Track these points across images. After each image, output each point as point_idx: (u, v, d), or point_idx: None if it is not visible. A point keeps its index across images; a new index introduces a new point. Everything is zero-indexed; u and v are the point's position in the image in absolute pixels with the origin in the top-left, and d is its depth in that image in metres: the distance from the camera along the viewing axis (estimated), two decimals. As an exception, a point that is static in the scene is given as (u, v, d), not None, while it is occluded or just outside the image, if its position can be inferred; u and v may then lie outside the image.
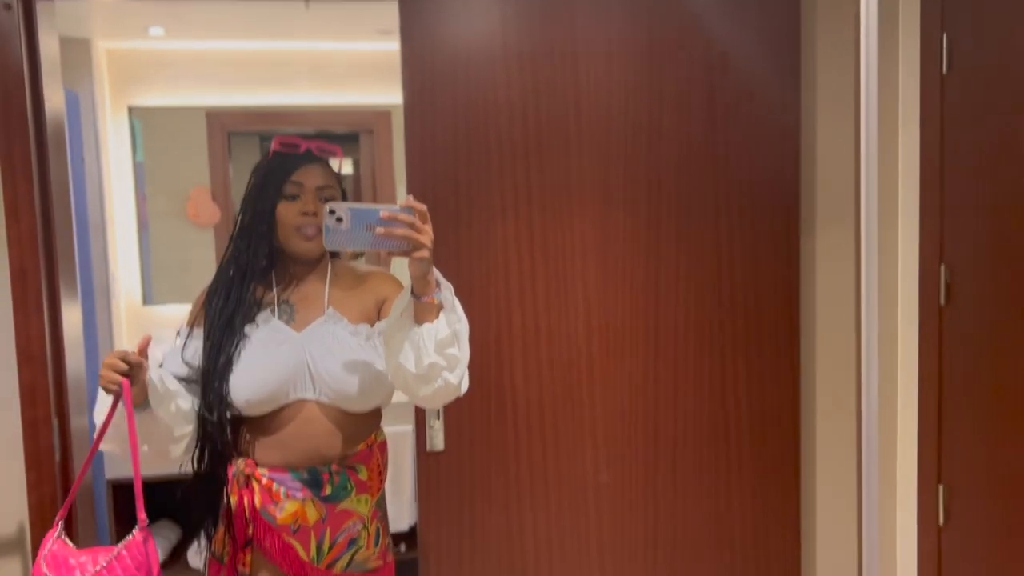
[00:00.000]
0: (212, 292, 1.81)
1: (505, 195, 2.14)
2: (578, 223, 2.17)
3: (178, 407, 1.71)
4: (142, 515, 1.64)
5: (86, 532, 2.13)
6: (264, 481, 1.75)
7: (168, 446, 1.72)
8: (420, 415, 2.15)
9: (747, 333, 2.25)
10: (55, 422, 2.01)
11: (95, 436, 1.63)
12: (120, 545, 1.62)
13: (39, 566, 1.62)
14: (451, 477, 2.16)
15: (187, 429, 1.73)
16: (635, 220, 2.19)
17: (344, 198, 1.84)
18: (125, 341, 3.64)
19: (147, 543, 1.62)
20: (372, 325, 1.82)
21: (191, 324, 1.83)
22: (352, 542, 1.81)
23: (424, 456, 2.15)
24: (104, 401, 1.66)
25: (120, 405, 1.60)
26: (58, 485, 2.01)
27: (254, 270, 1.79)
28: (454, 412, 2.14)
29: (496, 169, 2.13)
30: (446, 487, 2.17)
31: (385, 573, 1.89)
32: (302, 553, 1.76)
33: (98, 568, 1.60)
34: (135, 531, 1.63)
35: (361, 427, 1.82)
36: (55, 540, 1.65)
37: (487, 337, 2.15)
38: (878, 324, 2.26)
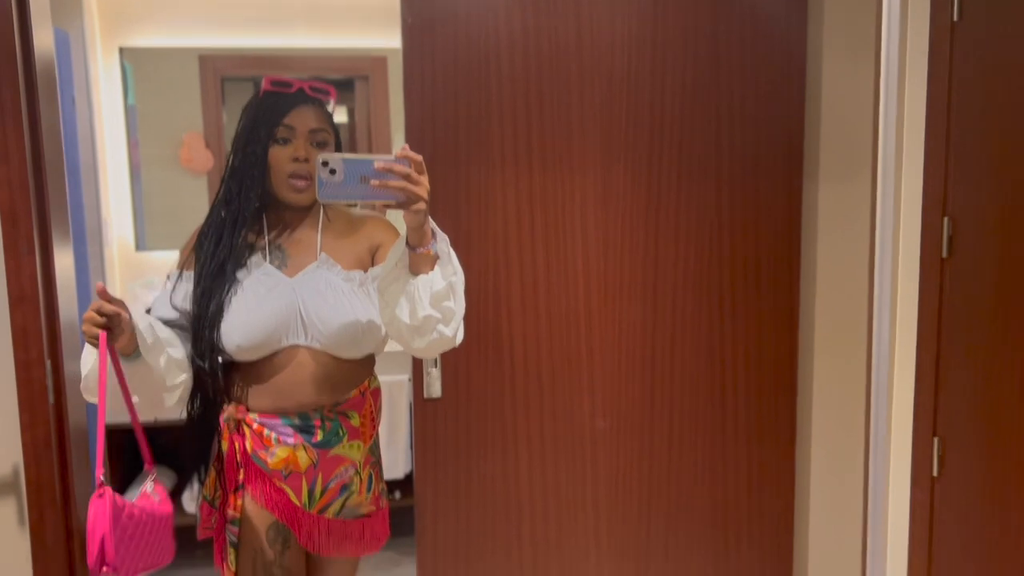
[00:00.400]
0: (203, 235, 1.79)
1: (505, 142, 2.10)
2: (578, 171, 2.14)
3: (170, 356, 1.68)
4: (147, 464, 1.67)
5: (81, 477, 2.13)
6: (255, 426, 1.74)
7: (161, 395, 1.70)
8: (417, 363, 2.13)
9: (746, 285, 2.24)
10: (48, 364, 1.99)
11: (99, 390, 1.58)
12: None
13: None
14: (447, 424, 2.16)
15: (181, 378, 1.71)
16: (636, 169, 2.16)
17: (338, 142, 1.80)
18: (118, 287, 3.62)
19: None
20: (366, 271, 1.81)
21: (181, 267, 1.81)
22: (344, 487, 1.81)
23: (421, 403, 2.15)
24: (89, 352, 1.64)
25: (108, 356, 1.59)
26: (52, 427, 2.00)
27: (245, 215, 1.75)
28: (451, 360, 2.13)
29: (496, 115, 2.09)
30: (443, 434, 2.16)
31: (378, 519, 1.90)
32: (293, 498, 1.76)
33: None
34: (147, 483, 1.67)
35: (353, 374, 1.81)
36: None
37: (485, 285, 2.13)
38: (884, 277, 2.25)
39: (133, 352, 1.62)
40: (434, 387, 2.14)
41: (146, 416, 1.72)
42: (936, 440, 2.25)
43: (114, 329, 1.55)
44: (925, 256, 2.26)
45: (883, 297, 2.30)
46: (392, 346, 1.78)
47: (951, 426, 2.22)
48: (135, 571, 1.61)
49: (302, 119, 1.73)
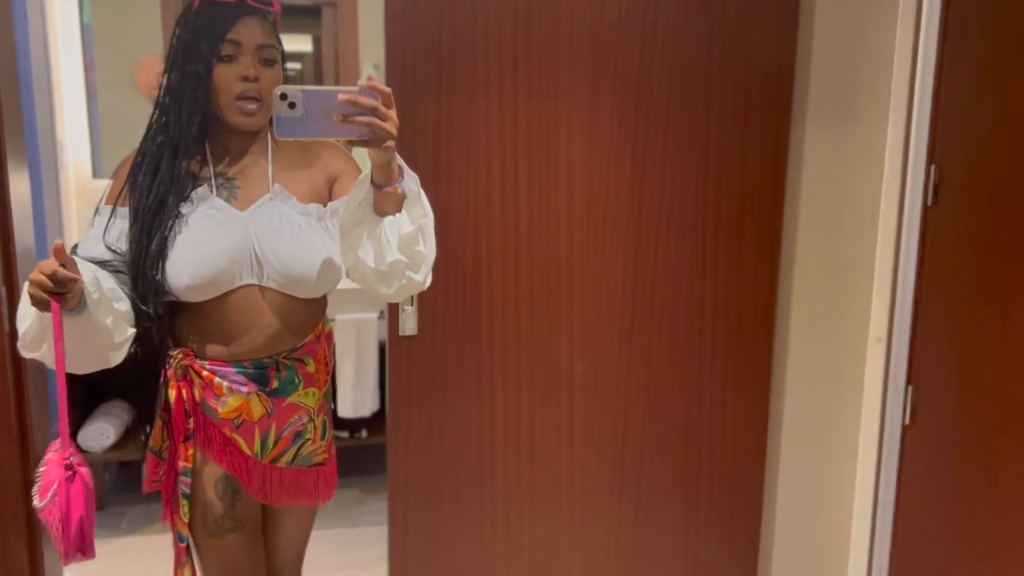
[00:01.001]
0: (137, 166, 1.60)
1: (490, 71, 2.02)
2: (564, 104, 2.07)
3: (116, 311, 1.52)
4: (66, 451, 1.49)
5: (38, 408, 2.06)
6: (205, 374, 1.61)
7: (107, 353, 1.53)
8: (392, 299, 2.07)
9: (729, 225, 2.21)
10: (3, 290, 1.90)
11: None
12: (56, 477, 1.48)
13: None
14: (423, 362, 2.11)
15: (128, 333, 1.55)
16: (623, 105, 2.10)
17: (283, 58, 1.63)
18: (74, 216, 3.48)
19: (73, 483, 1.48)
20: (324, 205, 1.67)
21: (113, 203, 1.61)
22: (297, 436, 1.71)
23: (396, 340, 2.09)
24: (27, 306, 1.45)
25: (47, 316, 1.41)
26: (7, 355, 1.91)
27: (187, 142, 1.57)
28: (428, 297, 2.07)
29: (482, 42, 2.01)
30: (418, 372, 2.11)
31: (329, 466, 1.80)
32: (244, 447, 1.66)
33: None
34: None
35: (309, 315, 1.68)
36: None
37: (465, 220, 2.07)
38: (867, 223, 2.24)
39: (77, 306, 1.43)
40: (409, 324, 2.08)
41: (92, 370, 1.56)
42: (910, 388, 2.27)
43: (66, 296, 1.39)
44: (910, 203, 2.24)
45: (865, 243, 2.28)
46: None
47: (925, 374, 2.23)
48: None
49: (248, 33, 1.56)
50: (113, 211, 1.61)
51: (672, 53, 2.10)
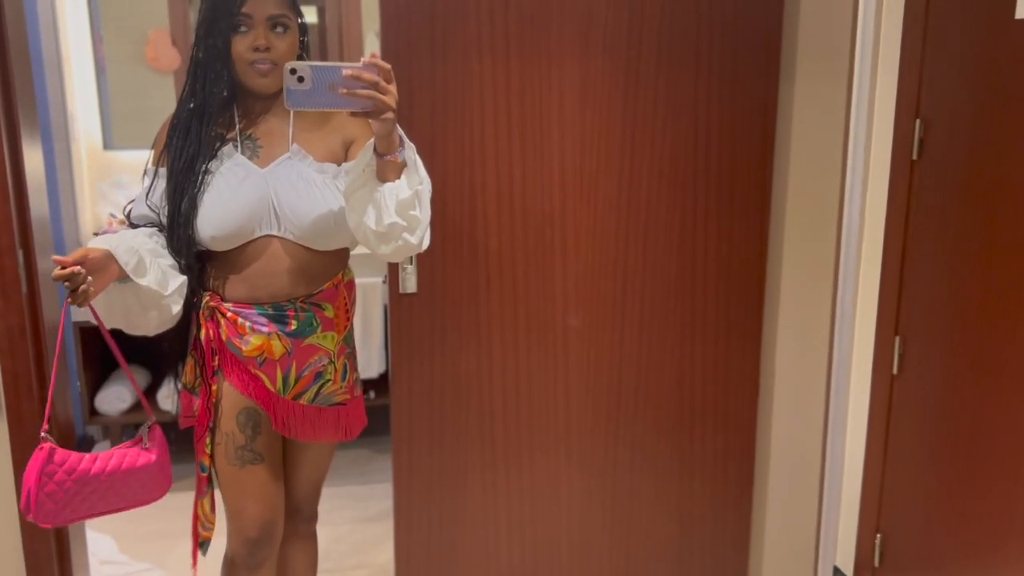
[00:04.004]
0: (173, 128, 1.79)
1: (482, 33, 2.07)
2: (556, 64, 2.12)
3: (160, 268, 1.71)
4: (44, 424, 1.67)
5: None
6: (229, 315, 1.77)
7: (164, 303, 1.72)
8: (392, 259, 2.14)
9: (720, 182, 2.26)
10: (20, 253, 1.98)
11: (57, 344, 1.70)
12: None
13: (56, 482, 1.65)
14: (423, 319, 2.19)
15: (180, 281, 1.73)
16: (615, 64, 2.15)
17: (302, 25, 1.78)
18: (86, 187, 3.56)
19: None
20: (339, 164, 1.81)
21: (156, 164, 1.81)
22: (318, 376, 1.85)
23: (397, 298, 2.17)
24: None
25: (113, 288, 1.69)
26: (26, 316, 2.00)
27: (212, 108, 1.76)
28: (427, 256, 2.15)
29: (474, 5, 2.06)
30: (418, 329, 2.19)
31: (352, 406, 1.95)
32: (268, 384, 1.80)
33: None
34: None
35: (327, 265, 1.83)
36: (55, 452, 1.65)
37: (461, 179, 2.13)
38: (855, 176, 2.28)
39: (125, 277, 1.65)
40: (409, 283, 2.16)
41: (163, 328, 1.78)
42: (897, 339, 2.33)
43: (84, 287, 1.56)
44: (896, 158, 2.29)
45: (853, 198, 2.33)
46: (364, 248, 1.80)
47: (913, 326, 2.28)
48: (83, 518, 1.71)
49: (259, 5, 1.71)
50: (156, 172, 1.80)
51: (661, 11, 2.14)
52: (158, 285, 1.68)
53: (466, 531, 2.33)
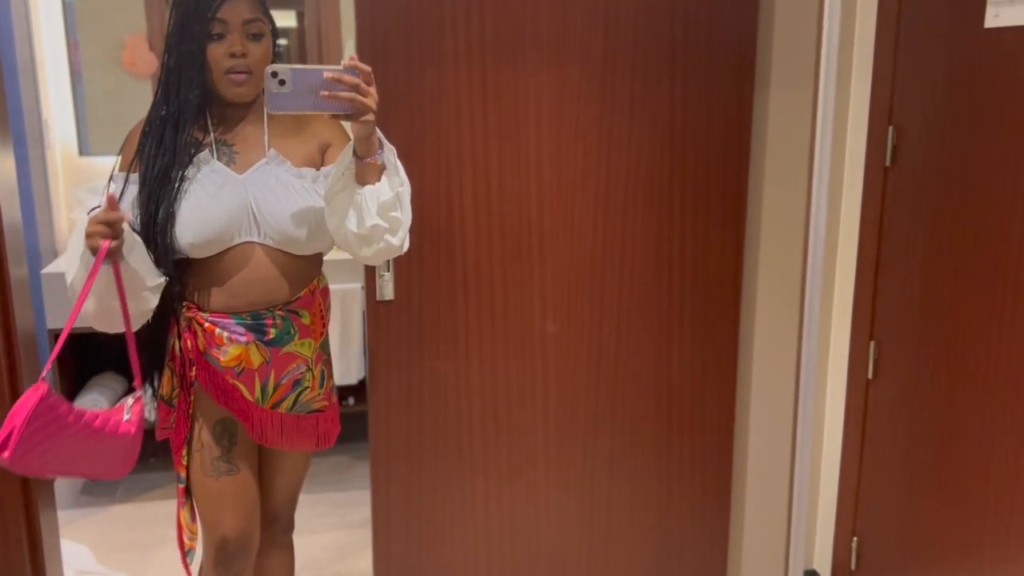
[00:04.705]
0: (145, 136, 1.75)
1: (458, 40, 2.07)
2: (532, 71, 2.12)
3: (147, 260, 1.68)
4: (136, 380, 1.69)
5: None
6: (206, 325, 1.75)
7: (144, 294, 1.68)
8: (370, 266, 2.14)
9: (696, 188, 2.27)
10: (-8, 263, 1.96)
11: (80, 292, 1.60)
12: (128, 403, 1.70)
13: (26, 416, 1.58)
14: (401, 326, 2.18)
15: (160, 279, 1.70)
16: (590, 71, 2.15)
17: (274, 31, 1.78)
18: (62, 193, 3.53)
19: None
20: (317, 169, 1.81)
21: (127, 170, 1.77)
22: (296, 383, 1.84)
23: (374, 305, 2.16)
24: (72, 258, 1.64)
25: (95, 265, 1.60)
26: (-1, 327, 1.98)
27: (186, 116, 1.73)
28: (404, 262, 2.14)
29: (450, 10, 2.06)
30: (396, 336, 2.19)
31: (330, 413, 1.95)
32: (246, 394, 1.79)
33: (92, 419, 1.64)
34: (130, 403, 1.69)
35: (304, 271, 1.82)
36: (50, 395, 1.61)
37: (438, 186, 2.13)
38: (821, 182, 2.30)
39: (120, 254, 1.62)
40: (386, 289, 2.15)
41: (137, 324, 1.71)
42: (872, 344, 2.34)
43: (119, 237, 1.57)
44: (869, 165, 2.31)
45: (820, 204, 2.35)
46: (344, 254, 1.79)
47: (887, 331, 2.30)
48: (47, 472, 1.64)
49: (234, 11, 1.69)
50: (127, 178, 1.76)
51: (636, 19, 2.15)
52: (144, 273, 1.66)
53: (444, 538, 2.33)
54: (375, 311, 2.17)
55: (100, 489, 3.43)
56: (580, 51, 2.14)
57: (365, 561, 2.88)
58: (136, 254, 1.64)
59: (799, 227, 2.42)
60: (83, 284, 1.60)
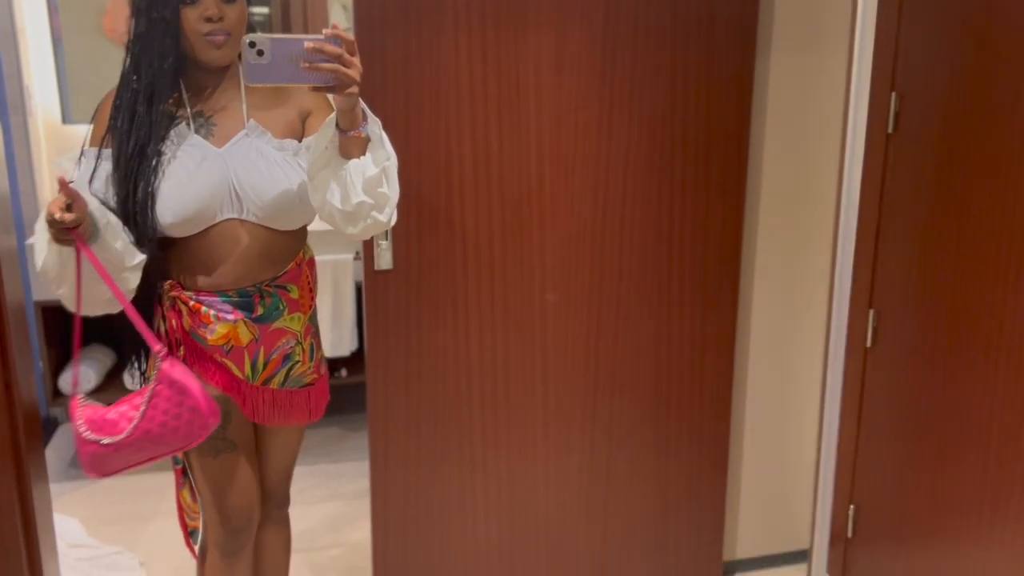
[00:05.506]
0: (116, 109, 1.65)
1: (458, 7, 2.02)
2: (532, 38, 2.08)
3: (124, 238, 1.61)
4: (155, 345, 1.61)
5: (21, 352, 2.08)
6: (192, 304, 1.70)
7: (123, 275, 1.62)
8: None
9: (696, 156, 2.24)
10: (-21, 234, 1.91)
11: (76, 286, 1.57)
12: (151, 384, 1.61)
13: (81, 436, 1.62)
14: (399, 296, 2.15)
15: (139, 258, 1.63)
16: (591, 36, 2.11)
17: (250, 14, 1.69)
18: (44, 161, 3.46)
19: (173, 365, 1.60)
20: (299, 140, 1.74)
21: (99, 145, 1.67)
22: (286, 358, 1.80)
23: (372, 275, 2.13)
24: (41, 240, 1.57)
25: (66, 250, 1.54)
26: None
27: (160, 87, 1.62)
28: (402, 232, 2.11)
29: (448, -25, 2.01)
30: (394, 306, 2.16)
31: (320, 385, 1.91)
32: (236, 371, 1.75)
33: (140, 409, 1.60)
34: (159, 363, 1.60)
35: (289, 245, 1.77)
36: (82, 407, 1.64)
37: (436, 154, 2.09)
38: (830, 152, 2.28)
39: (91, 236, 1.54)
40: (384, 259, 2.12)
41: (110, 307, 1.66)
42: (871, 312, 2.34)
43: (83, 224, 1.49)
44: (871, 131, 2.29)
45: (829, 171, 2.33)
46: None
47: (887, 299, 2.30)
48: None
49: None
50: (99, 154, 1.66)
51: (638, -18, 2.11)
52: (123, 251, 1.59)
53: (443, 509, 2.32)
54: (373, 281, 2.14)
55: (90, 462, 3.39)
56: (581, 17, 2.10)
57: (360, 532, 2.88)
58: (111, 235, 1.57)
59: (800, 197, 2.41)
60: (56, 269, 1.56)
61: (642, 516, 2.46)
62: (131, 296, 1.65)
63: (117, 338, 3.33)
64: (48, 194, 3.48)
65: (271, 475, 1.96)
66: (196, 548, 1.93)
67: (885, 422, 2.33)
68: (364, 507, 3.03)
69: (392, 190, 1.61)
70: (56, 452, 3.43)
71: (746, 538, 2.64)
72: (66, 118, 3.55)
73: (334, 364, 3.55)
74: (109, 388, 3.39)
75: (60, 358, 3.41)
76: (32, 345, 3.18)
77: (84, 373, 3.32)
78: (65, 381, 3.31)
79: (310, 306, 1.85)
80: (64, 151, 3.51)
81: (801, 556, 2.71)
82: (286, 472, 2.00)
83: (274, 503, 2.00)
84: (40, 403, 3.30)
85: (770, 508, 2.64)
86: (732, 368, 2.42)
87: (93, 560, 2.71)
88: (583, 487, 2.39)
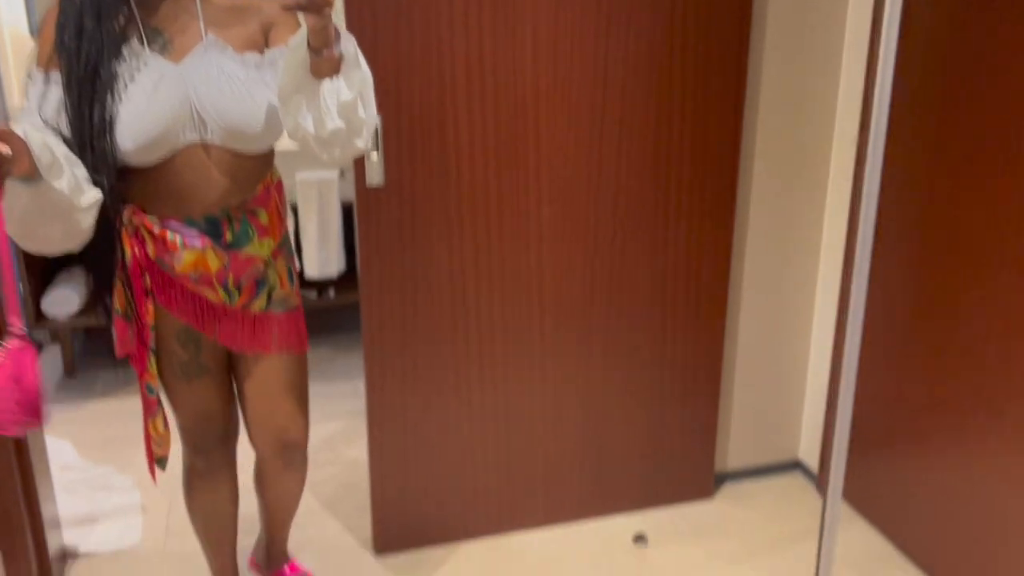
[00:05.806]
0: (61, 27, 1.50)
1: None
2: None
3: (74, 176, 1.46)
4: (16, 322, 1.45)
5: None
6: (156, 231, 1.60)
7: (75, 217, 1.47)
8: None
9: (695, 74, 2.18)
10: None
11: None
12: None
13: None
14: (391, 213, 2.10)
15: (94, 195, 1.49)
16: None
17: None
18: (13, 76, 3.33)
19: (24, 353, 1.45)
20: (260, 53, 1.62)
21: (45, 67, 1.52)
22: (260, 283, 1.73)
23: (363, 191, 2.07)
24: None
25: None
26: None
27: (107, 0, 1.49)
28: (394, 146, 2.05)
29: None
30: (386, 223, 2.11)
31: (299, 314, 1.85)
32: (211, 296, 1.68)
33: None
34: (9, 340, 1.45)
35: (256, 168, 1.67)
36: None
37: (429, 64, 2.02)
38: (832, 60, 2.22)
39: (35, 176, 1.37)
40: (375, 174, 2.06)
41: (66, 246, 1.51)
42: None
43: (13, 163, 1.32)
44: (874, 35, 2.23)
45: (829, 86, 2.28)
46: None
47: (886, 211, 2.27)
48: None
49: None
50: (47, 77, 1.52)
51: None
52: (71, 192, 1.44)
53: (440, 428, 2.31)
54: (364, 197, 2.08)
55: (78, 387, 3.37)
56: (577, -84, 2.01)
57: (356, 449, 2.89)
58: (57, 175, 1.42)
59: (799, 106, 2.36)
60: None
61: (636, 428, 2.47)
62: (87, 236, 1.52)
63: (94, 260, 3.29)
64: (17, 110, 3.36)
65: (277, 416, 1.83)
66: (157, 475, 1.83)
67: (882, 333, 2.33)
68: (357, 426, 3.04)
69: (369, 114, 1.51)
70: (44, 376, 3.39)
71: (737, 449, 2.67)
72: (33, 30, 3.41)
73: (323, 285, 3.51)
74: (94, 309, 3.33)
75: (42, 283, 3.35)
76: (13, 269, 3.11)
77: (67, 296, 3.26)
78: (50, 303, 3.25)
79: (280, 231, 1.76)
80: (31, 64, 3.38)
81: (791, 467, 2.75)
82: (293, 408, 1.84)
83: (288, 445, 1.86)
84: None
85: (762, 419, 2.66)
86: (728, 281, 2.41)
87: (87, 481, 2.71)
88: (579, 401, 2.40)
